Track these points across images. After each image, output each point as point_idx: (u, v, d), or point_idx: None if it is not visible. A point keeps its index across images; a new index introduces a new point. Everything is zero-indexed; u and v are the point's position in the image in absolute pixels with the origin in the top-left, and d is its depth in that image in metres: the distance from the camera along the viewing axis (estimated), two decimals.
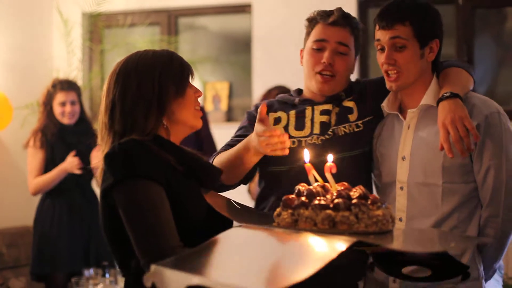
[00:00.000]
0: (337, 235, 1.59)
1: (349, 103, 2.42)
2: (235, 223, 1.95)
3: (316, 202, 1.66)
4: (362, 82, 2.52)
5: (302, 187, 1.74)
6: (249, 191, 4.20)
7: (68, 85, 4.39)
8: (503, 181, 2.21)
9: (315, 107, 2.41)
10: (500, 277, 3.72)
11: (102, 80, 5.93)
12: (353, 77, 2.53)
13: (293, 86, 2.82)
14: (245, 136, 2.30)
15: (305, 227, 1.65)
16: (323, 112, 2.40)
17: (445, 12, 5.41)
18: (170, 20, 5.98)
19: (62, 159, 4.29)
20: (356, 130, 2.38)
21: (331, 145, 2.29)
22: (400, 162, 2.31)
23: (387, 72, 2.27)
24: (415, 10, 2.25)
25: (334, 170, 1.75)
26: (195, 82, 2.01)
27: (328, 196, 1.70)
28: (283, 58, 5.33)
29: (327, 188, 1.75)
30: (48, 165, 4.33)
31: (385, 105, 2.37)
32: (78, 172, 4.25)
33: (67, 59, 5.65)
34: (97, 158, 3.89)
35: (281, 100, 2.51)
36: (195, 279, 1.35)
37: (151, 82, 1.87)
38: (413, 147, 2.29)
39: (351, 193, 1.69)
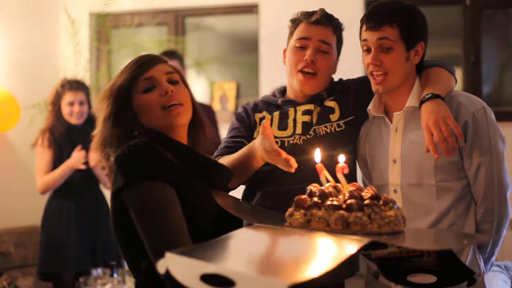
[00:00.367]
0: (350, 235, 1.59)
1: (330, 103, 2.45)
2: (245, 223, 1.96)
3: (329, 202, 1.66)
4: (344, 82, 2.55)
5: (314, 187, 1.75)
6: None
7: (76, 85, 4.40)
8: (494, 176, 2.24)
9: (298, 107, 2.45)
10: (508, 278, 3.72)
11: (109, 80, 5.93)
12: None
13: None
14: (239, 137, 2.39)
15: (318, 227, 1.66)
16: (305, 112, 2.43)
17: (452, 13, 5.41)
18: (177, 20, 5.99)
19: None
20: (337, 129, 2.40)
21: (313, 145, 2.31)
22: (391, 165, 2.34)
23: (372, 73, 2.28)
24: (403, 12, 2.27)
25: (346, 171, 1.75)
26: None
27: (340, 197, 1.70)
28: None
29: (339, 188, 1.75)
30: (56, 164, 4.35)
31: (371, 108, 2.40)
32: (82, 167, 4.26)
33: (74, 59, 5.65)
34: (94, 159, 3.89)
35: (265, 100, 2.55)
36: (210, 267, 1.33)
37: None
38: (403, 149, 2.31)
39: (363, 194, 1.69)
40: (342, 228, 1.62)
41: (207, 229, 1.81)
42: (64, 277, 4.32)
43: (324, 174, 1.80)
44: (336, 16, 2.50)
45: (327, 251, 1.51)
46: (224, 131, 4.45)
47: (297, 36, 2.47)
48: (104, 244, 4.38)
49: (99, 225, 4.38)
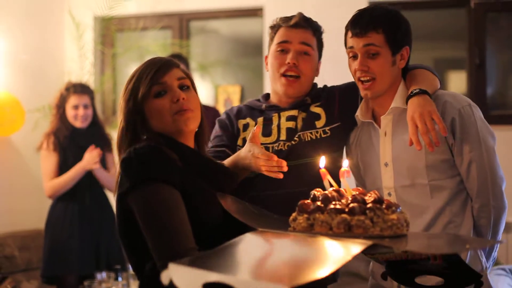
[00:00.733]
0: (352, 239, 1.59)
1: (316, 109, 2.45)
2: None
3: (332, 206, 1.67)
4: (328, 89, 2.55)
5: (317, 192, 1.75)
6: None
7: (81, 89, 4.41)
8: (487, 171, 2.25)
9: (281, 113, 2.45)
10: None
11: (114, 83, 5.95)
12: None
13: None
14: (222, 146, 2.38)
15: (320, 231, 1.66)
16: (289, 118, 2.43)
17: (457, 16, 5.41)
18: (182, 24, 6.00)
19: (75, 162, 4.32)
20: (323, 136, 2.40)
21: (297, 151, 2.33)
22: (383, 169, 2.35)
23: (360, 79, 2.30)
24: (387, 18, 2.29)
25: (349, 175, 1.76)
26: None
27: (343, 201, 1.70)
28: None
29: (342, 193, 1.76)
30: (61, 168, 4.35)
31: (358, 114, 2.41)
32: (96, 166, 4.27)
33: (79, 62, 5.67)
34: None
35: (249, 105, 2.55)
36: (213, 276, 1.35)
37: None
38: (394, 152, 2.33)
39: (366, 198, 1.70)
40: (344, 232, 1.63)
41: (212, 232, 1.82)
42: (68, 280, 4.32)
43: (328, 179, 1.81)
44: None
45: (329, 254, 1.52)
46: None
47: (277, 40, 2.48)
48: (108, 247, 4.38)
49: (103, 228, 4.38)
